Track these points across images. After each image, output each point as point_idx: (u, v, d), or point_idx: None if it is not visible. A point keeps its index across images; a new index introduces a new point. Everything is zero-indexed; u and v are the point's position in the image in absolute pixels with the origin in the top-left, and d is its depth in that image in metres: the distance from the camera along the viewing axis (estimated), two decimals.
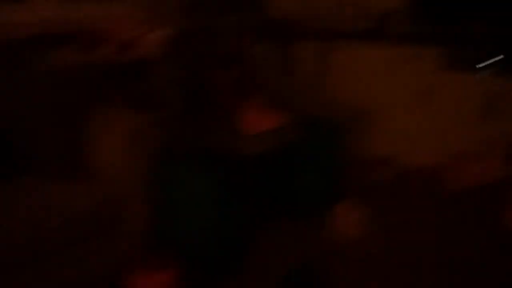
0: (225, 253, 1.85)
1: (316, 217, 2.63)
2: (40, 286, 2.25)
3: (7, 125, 2.71)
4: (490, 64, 3.28)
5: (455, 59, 3.38)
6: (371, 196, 2.97)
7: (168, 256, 1.65)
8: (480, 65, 3.31)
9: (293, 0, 3.96)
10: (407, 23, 3.67)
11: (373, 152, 3.67)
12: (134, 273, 1.58)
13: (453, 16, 3.55)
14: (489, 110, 3.11)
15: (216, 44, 2.29)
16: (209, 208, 1.76)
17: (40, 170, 2.70)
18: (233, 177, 1.88)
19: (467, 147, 3.23)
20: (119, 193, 2.61)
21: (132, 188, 2.33)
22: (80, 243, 2.41)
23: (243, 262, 2.07)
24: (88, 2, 2.96)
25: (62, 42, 2.74)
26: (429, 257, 2.35)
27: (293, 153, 2.74)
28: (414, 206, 2.88)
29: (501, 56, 3.21)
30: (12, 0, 2.72)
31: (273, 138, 2.26)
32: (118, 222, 2.58)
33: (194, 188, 1.80)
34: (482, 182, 2.94)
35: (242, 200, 2.01)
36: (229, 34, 2.39)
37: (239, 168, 1.97)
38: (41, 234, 2.29)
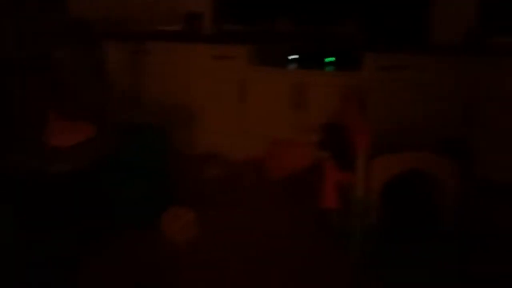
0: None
1: (144, 227, 2.55)
2: None
3: None
4: (296, 58, 3.56)
5: (265, 55, 3.58)
6: (202, 196, 3.02)
7: None
8: (287, 60, 3.57)
9: (102, 2, 3.79)
10: (216, 23, 3.80)
11: (199, 150, 3.70)
12: None
13: (257, 16, 3.78)
14: (299, 100, 3.37)
15: (20, 48, 2.00)
16: (9, 241, 1.54)
17: None
18: (36, 201, 1.67)
19: (282, 136, 3.45)
20: None
21: None
22: None
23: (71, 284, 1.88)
24: None
25: None
26: (262, 249, 2.44)
27: (111, 165, 2.60)
28: (244, 199, 2.98)
29: (297, 56, 3.51)
30: None
31: (85, 152, 2.09)
32: None
33: None
34: (298, 168, 3.18)
35: (51, 224, 1.81)
36: (34, 37, 2.11)
37: (44, 190, 1.76)
38: None
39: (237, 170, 3.39)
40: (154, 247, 2.44)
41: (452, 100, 3.02)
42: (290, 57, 3.55)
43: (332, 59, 3.47)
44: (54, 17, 2.74)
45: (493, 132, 2.95)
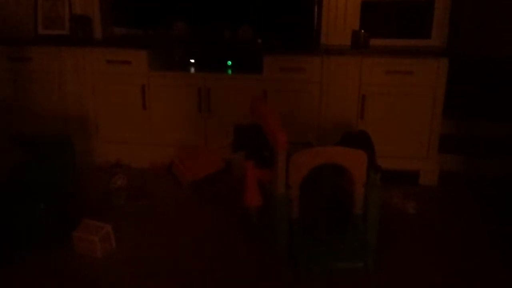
0: None
1: (55, 244, 2.36)
2: None
3: None
4: (197, 62, 3.56)
5: (164, 60, 3.53)
6: (111, 208, 2.87)
7: None
8: (188, 63, 3.55)
9: None
10: (105, 27, 3.64)
11: (102, 161, 3.51)
12: None
13: (149, 19, 3.70)
14: (203, 105, 3.38)
15: None
16: None
17: None
18: None
19: (189, 141, 3.43)
20: None
21: None
22: None
23: None
24: None
25: None
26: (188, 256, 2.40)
27: (10, 181, 2.36)
28: (157, 207, 2.90)
29: (196, 59, 3.53)
30: None
31: None
32: None
33: None
34: (210, 171, 3.19)
35: None
36: None
37: None
38: None
39: (144, 179, 3.29)
40: (69, 265, 2.26)
41: (349, 95, 3.28)
42: (191, 61, 3.54)
43: (229, 62, 3.54)
44: None
45: (382, 124, 3.28)
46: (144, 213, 2.81)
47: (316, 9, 3.50)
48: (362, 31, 3.34)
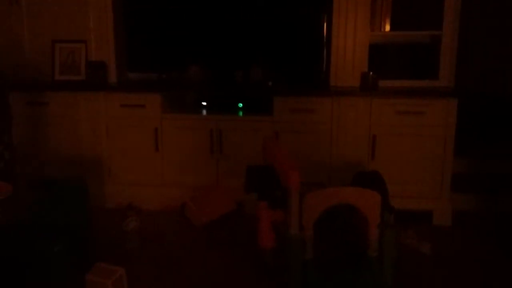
0: None
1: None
2: None
3: None
4: (208, 104, 3.63)
5: (176, 103, 3.60)
6: (125, 251, 2.86)
7: None
8: (200, 106, 3.62)
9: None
10: (120, 72, 3.75)
11: (115, 203, 3.52)
12: None
13: (160, 64, 3.82)
14: (215, 146, 3.42)
15: None
16: None
17: None
18: None
19: (201, 183, 3.45)
20: None
21: None
22: None
23: None
24: None
25: None
26: None
27: (26, 223, 2.39)
28: (170, 250, 2.89)
29: (208, 102, 3.60)
30: None
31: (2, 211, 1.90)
32: None
33: None
34: (222, 213, 3.20)
35: None
36: None
37: None
38: None
39: (157, 221, 3.29)
40: None
41: (359, 136, 3.31)
42: (203, 103, 3.62)
43: (240, 105, 3.61)
44: None
45: (394, 164, 3.28)
46: (157, 256, 2.80)
47: (325, 51, 3.59)
48: (371, 72, 3.40)
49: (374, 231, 2.31)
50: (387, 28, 3.53)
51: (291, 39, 3.70)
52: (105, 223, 3.22)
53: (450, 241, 3.04)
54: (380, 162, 3.28)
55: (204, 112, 3.58)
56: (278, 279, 2.42)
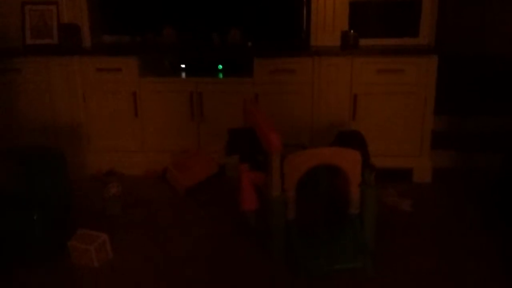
0: None
1: (51, 256, 2.34)
2: None
3: None
4: (187, 67, 3.54)
5: (153, 66, 3.51)
6: (107, 218, 2.85)
7: None
8: (179, 69, 3.53)
9: None
10: (94, 35, 3.61)
11: (95, 170, 3.48)
12: None
13: (137, 26, 3.69)
14: (196, 110, 3.37)
15: None
16: None
17: None
18: None
19: (183, 147, 3.41)
20: None
21: None
22: None
23: None
24: None
25: None
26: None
27: (5, 194, 2.34)
28: (154, 215, 2.88)
29: (184, 65, 3.50)
30: None
31: None
32: None
33: None
34: (204, 176, 3.19)
35: None
36: None
37: None
38: None
39: (138, 187, 3.27)
40: (65, 275, 2.24)
41: (341, 96, 3.29)
42: (182, 66, 3.53)
43: (220, 67, 3.53)
44: None
45: (375, 123, 3.29)
46: (140, 221, 2.80)
47: (305, 11, 3.51)
48: (351, 31, 3.35)
49: (355, 190, 2.33)
50: None
51: None
52: (86, 190, 3.19)
53: (430, 198, 3.10)
54: (361, 121, 3.28)
55: (183, 75, 3.50)
56: (262, 241, 2.44)
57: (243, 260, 2.37)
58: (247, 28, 3.60)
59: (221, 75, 3.48)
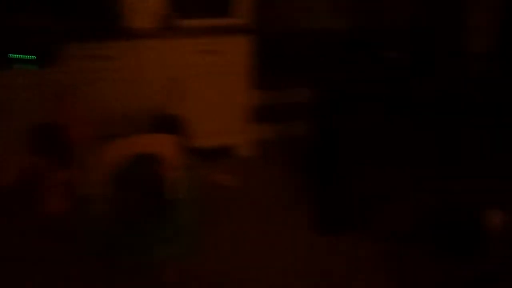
0: None
1: None
2: None
3: None
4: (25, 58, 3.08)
5: None
6: None
7: None
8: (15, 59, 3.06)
9: None
10: None
11: None
12: None
13: None
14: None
15: None
16: None
17: None
18: None
19: None
20: None
21: None
22: None
23: None
24: None
25: None
26: None
27: None
28: None
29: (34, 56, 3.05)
30: None
31: None
32: None
33: None
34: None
35: None
36: None
37: None
38: None
39: None
40: None
41: (160, 79, 3.23)
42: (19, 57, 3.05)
43: (28, 57, 3.15)
44: None
45: (197, 104, 3.32)
46: None
47: None
48: (168, 12, 3.29)
49: (174, 175, 2.32)
50: None
51: None
52: None
53: (254, 171, 3.25)
54: (183, 104, 3.27)
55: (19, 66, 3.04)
56: (76, 243, 2.30)
57: (57, 260, 2.21)
58: (53, 10, 3.27)
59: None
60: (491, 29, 3.46)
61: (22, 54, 3.11)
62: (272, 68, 3.79)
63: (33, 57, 3.11)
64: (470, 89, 2.91)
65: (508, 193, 2.26)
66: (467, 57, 3.38)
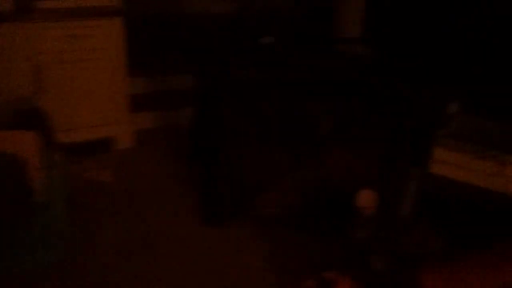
0: None
1: None
2: None
3: None
4: None
5: None
6: None
7: None
8: None
9: None
10: None
11: None
12: None
13: None
14: None
15: None
16: None
17: None
18: None
19: None
20: None
21: None
22: None
23: None
24: None
25: None
26: None
27: None
28: None
29: None
30: None
31: None
32: None
33: None
34: None
35: None
36: None
37: None
38: None
39: None
40: None
41: (20, 69, 2.90)
42: None
43: None
44: None
45: (66, 95, 3.05)
46: None
47: None
48: None
49: (37, 175, 2.11)
50: None
51: None
52: None
53: (133, 163, 3.09)
54: (50, 95, 2.98)
55: None
56: None
57: None
58: None
59: None
60: (359, 14, 3.64)
61: None
62: (151, 54, 3.62)
63: None
64: (342, 70, 3.02)
65: (380, 172, 2.39)
66: (339, 41, 3.52)
